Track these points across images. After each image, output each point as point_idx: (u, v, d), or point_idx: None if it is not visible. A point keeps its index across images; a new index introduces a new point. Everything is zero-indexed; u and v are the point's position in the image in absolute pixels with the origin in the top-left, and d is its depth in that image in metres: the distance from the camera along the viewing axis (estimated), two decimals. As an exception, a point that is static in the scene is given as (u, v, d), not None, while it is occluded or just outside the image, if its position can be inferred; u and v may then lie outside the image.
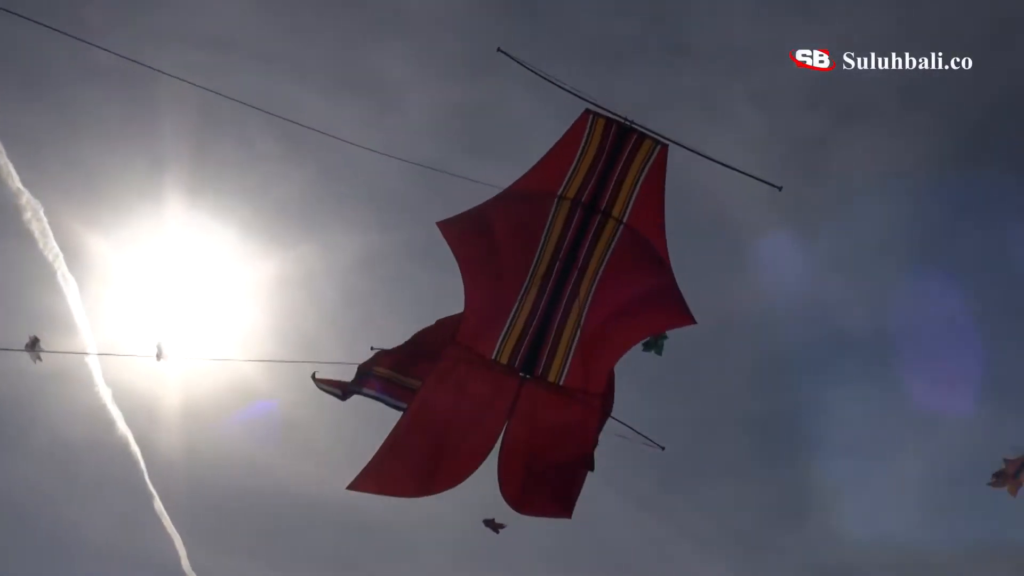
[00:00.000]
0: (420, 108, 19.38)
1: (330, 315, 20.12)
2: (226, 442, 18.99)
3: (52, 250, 14.69)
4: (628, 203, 10.26)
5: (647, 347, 10.90)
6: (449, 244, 10.24)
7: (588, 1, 20.15)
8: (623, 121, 10.00)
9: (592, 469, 10.62)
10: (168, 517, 18.30)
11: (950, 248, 21.69)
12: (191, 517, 18.97)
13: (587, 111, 9.97)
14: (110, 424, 16.80)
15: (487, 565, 19.95)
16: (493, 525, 10.53)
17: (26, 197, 13.99)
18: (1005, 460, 12.33)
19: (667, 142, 10.00)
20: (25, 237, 14.52)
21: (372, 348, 10.92)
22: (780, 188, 10.18)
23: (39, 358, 9.91)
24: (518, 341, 10.44)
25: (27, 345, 9.84)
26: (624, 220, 10.31)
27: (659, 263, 10.26)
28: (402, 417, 10.24)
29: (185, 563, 18.55)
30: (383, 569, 21.48)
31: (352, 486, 10.04)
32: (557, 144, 10.06)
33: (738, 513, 21.54)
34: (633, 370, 11.09)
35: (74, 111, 18.07)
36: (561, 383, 10.49)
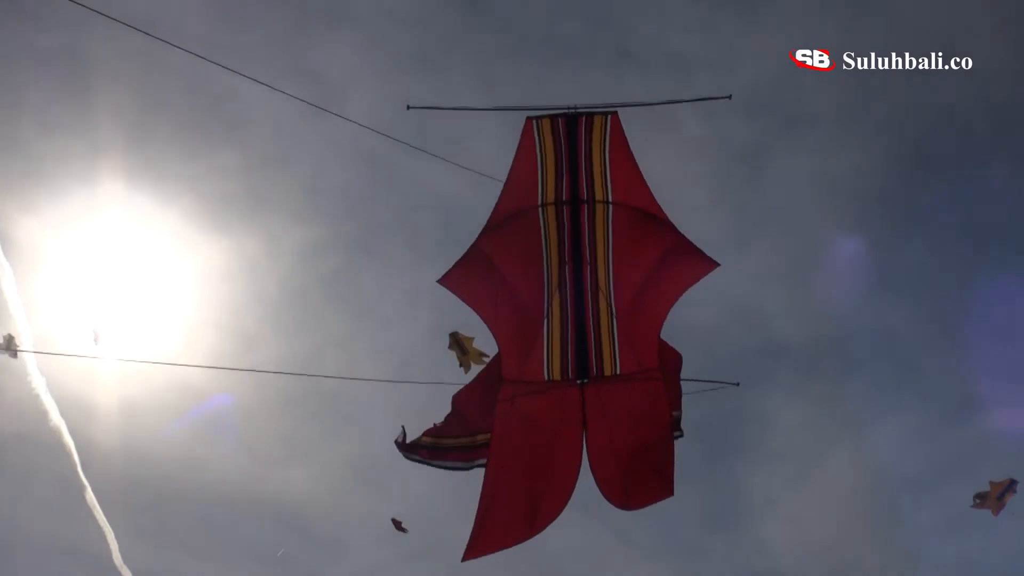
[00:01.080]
0: (363, 102, 19.36)
1: (273, 308, 20.04)
2: (163, 435, 18.79)
3: (-13, 235, 14.43)
4: (606, 182, 10.19)
5: None
6: (458, 296, 10.35)
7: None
8: (565, 111, 10.00)
9: (681, 435, 10.90)
10: (100, 509, 18.04)
11: (889, 258, 22.14)
12: (124, 510, 18.71)
13: (528, 119, 9.98)
14: (43, 414, 16.49)
15: (422, 564, 20.02)
16: (399, 527, 10.56)
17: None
18: (990, 483, 13.16)
19: (613, 110, 10.01)
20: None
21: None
22: (729, 97, 10.32)
23: (15, 354, 9.96)
24: (562, 352, 10.44)
25: (2, 343, 9.88)
26: (610, 199, 10.26)
27: (660, 223, 10.26)
28: (486, 474, 10.28)
29: (117, 557, 18.30)
30: (319, 566, 21.44)
31: (467, 557, 10.07)
32: (514, 161, 10.08)
33: (672, 518, 21.93)
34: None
35: (9, 93, 17.70)
36: (618, 372, 10.51)
